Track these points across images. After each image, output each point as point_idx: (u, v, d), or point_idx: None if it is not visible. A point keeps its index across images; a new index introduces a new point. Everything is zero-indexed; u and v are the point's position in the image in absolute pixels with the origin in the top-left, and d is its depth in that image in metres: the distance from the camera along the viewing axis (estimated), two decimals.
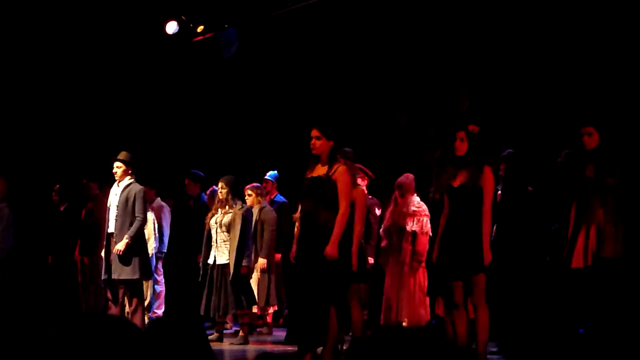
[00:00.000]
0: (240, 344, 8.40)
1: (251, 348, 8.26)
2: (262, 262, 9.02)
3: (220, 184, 8.62)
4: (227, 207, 8.51)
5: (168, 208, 9.95)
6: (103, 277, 8.30)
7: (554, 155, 7.76)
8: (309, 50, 10.80)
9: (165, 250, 9.88)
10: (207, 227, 8.63)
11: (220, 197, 8.56)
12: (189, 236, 9.47)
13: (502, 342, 7.31)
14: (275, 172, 9.92)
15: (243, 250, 8.38)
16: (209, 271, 8.49)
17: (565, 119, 9.09)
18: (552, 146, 8.57)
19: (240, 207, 8.54)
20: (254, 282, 8.90)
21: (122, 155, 8.42)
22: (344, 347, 7.61)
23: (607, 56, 8.82)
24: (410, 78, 10.38)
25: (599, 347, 5.51)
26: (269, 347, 8.39)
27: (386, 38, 10.32)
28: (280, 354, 7.54)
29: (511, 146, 7.72)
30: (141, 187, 8.37)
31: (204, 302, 8.43)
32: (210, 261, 8.52)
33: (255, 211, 8.98)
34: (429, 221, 8.26)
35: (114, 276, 8.19)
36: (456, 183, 6.52)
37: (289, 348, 7.85)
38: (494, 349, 7.32)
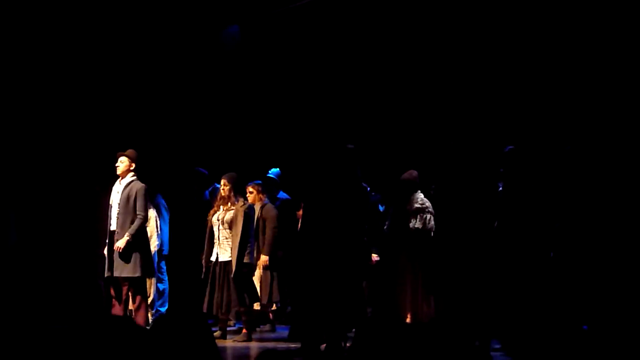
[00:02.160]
0: (244, 341, 8.41)
1: (254, 345, 8.27)
2: (264, 259, 9.03)
3: (222, 181, 8.62)
4: (229, 204, 8.52)
5: (165, 205, 9.93)
6: (106, 274, 8.32)
7: (555, 151, 7.77)
8: (311, 47, 10.79)
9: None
10: (209, 224, 8.64)
11: (223, 194, 8.56)
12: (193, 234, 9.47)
13: (505, 339, 7.31)
14: (278, 169, 9.91)
15: (245, 247, 8.39)
16: (211, 268, 8.50)
17: (565, 115, 9.09)
18: (552, 143, 8.58)
19: (242, 204, 8.54)
20: (256, 279, 8.91)
21: (128, 151, 8.44)
22: (348, 344, 7.60)
23: (606, 53, 8.82)
24: (409, 75, 10.38)
25: (603, 344, 5.51)
26: (271, 345, 8.39)
27: (387, 35, 10.31)
28: (283, 351, 7.54)
29: (512, 143, 7.72)
30: (143, 184, 8.39)
31: (206, 299, 8.44)
32: (213, 258, 8.52)
33: (256, 208, 8.98)
34: (432, 218, 8.25)
35: (116, 274, 8.22)
36: None
37: (292, 345, 7.85)
38: (497, 346, 7.32)
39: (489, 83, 9.79)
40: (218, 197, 8.66)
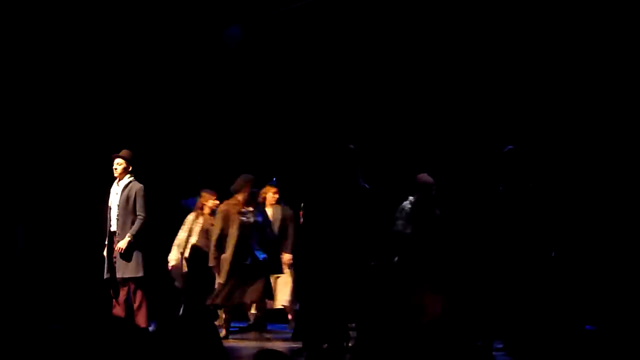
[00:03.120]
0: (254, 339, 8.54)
1: (255, 345, 8.24)
2: (288, 257, 9.23)
3: (267, 189, 9.05)
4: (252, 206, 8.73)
5: None
6: (105, 276, 8.32)
7: (555, 150, 7.77)
8: (312, 47, 10.75)
9: None
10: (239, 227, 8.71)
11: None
12: None
13: (507, 339, 7.31)
14: (274, 181, 9.97)
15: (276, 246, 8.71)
16: (242, 266, 8.59)
17: (566, 115, 9.10)
18: (552, 142, 8.59)
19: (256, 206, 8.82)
20: (286, 276, 9.14)
21: (123, 152, 8.44)
22: (350, 344, 7.60)
23: (606, 52, 8.83)
24: (411, 73, 10.37)
25: (606, 344, 5.52)
26: (270, 345, 8.37)
27: (387, 35, 10.30)
28: (280, 351, 7.53)
29: (511, 142, 7.72)
30: (141, 185, 8.40)
31: (226, 292, 8.50)
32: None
33: (276, 209, 9.22)
34: None
35: (119, 275, 8.22)
36: None
37: (294, 345, 7.85)
38: (500, 346, 7.33)
39: (489, 83, 9.78)
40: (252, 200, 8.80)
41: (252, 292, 8.53)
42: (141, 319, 8.20)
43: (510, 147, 7.58)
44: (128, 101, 10.79)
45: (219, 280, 8.65)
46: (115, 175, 8.43)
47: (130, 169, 8.43)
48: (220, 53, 11.02)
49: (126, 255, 8.19)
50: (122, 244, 8.18)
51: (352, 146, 7.47)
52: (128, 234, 8.19)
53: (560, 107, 9.20)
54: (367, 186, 7.32)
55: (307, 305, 6.90)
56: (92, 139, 10.34)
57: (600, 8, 8.85)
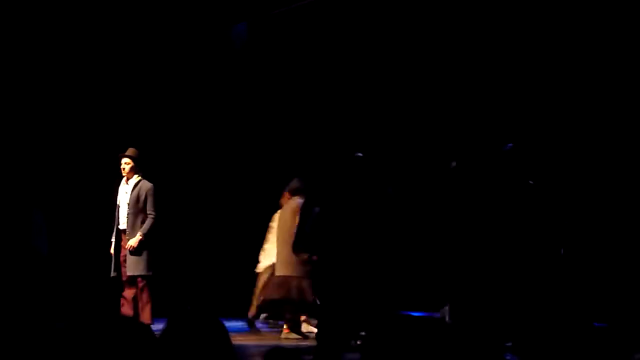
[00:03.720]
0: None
1: (262, 343, 8.26)
2: None
3: None
4: None
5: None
6: (112, 274, 8.36)
7: (554, 148, 7.77)
8: (317, 46, 10.74)
9: None
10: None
11: None
12: None
13: (515, 337, 7.30)
14: None
15: None
16: None
17: (564, 112, 9.10)
18: (552, 139, 8.58)
19: None
20: None
21: (130, 151, 8.47)
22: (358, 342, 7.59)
23: (605, 51, 8.82)
24: (415, 71, 10.37)
25: (613, 342, 5.50)
26: (280, 342, 8.40)
27: (393, 34, 10.30)
28: (291, 349, 7.54)
29: (511, 140, 7.70)
30: (151, 184, 8.44)
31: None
32: None
33: None
34: None
35: (129, 272, 8.26)
36: None
37: (302, 343, 7.87)
38: (507, 344, 7.31)
39: (489, 82, 9.77)
40: None
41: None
42: (146, 317, 8.22)
43: (510, 145, 7.56)
44: (135, 100, 10.81)
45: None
46: (124, 174, 8.47)
47: (138, 167, 8.47)
48: (227, 52, 11.02)
49: (137, 253, 8.22)
50: (133, 242, 8.22)
51: (360, 154, 7.39)
52: (139, 232, 8.23)
53: (560, 104, 9.18)
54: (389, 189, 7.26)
55: (325, 302, 6.89)
56: (99, 138, 10.37)
57: (599, 7, 8.85)
